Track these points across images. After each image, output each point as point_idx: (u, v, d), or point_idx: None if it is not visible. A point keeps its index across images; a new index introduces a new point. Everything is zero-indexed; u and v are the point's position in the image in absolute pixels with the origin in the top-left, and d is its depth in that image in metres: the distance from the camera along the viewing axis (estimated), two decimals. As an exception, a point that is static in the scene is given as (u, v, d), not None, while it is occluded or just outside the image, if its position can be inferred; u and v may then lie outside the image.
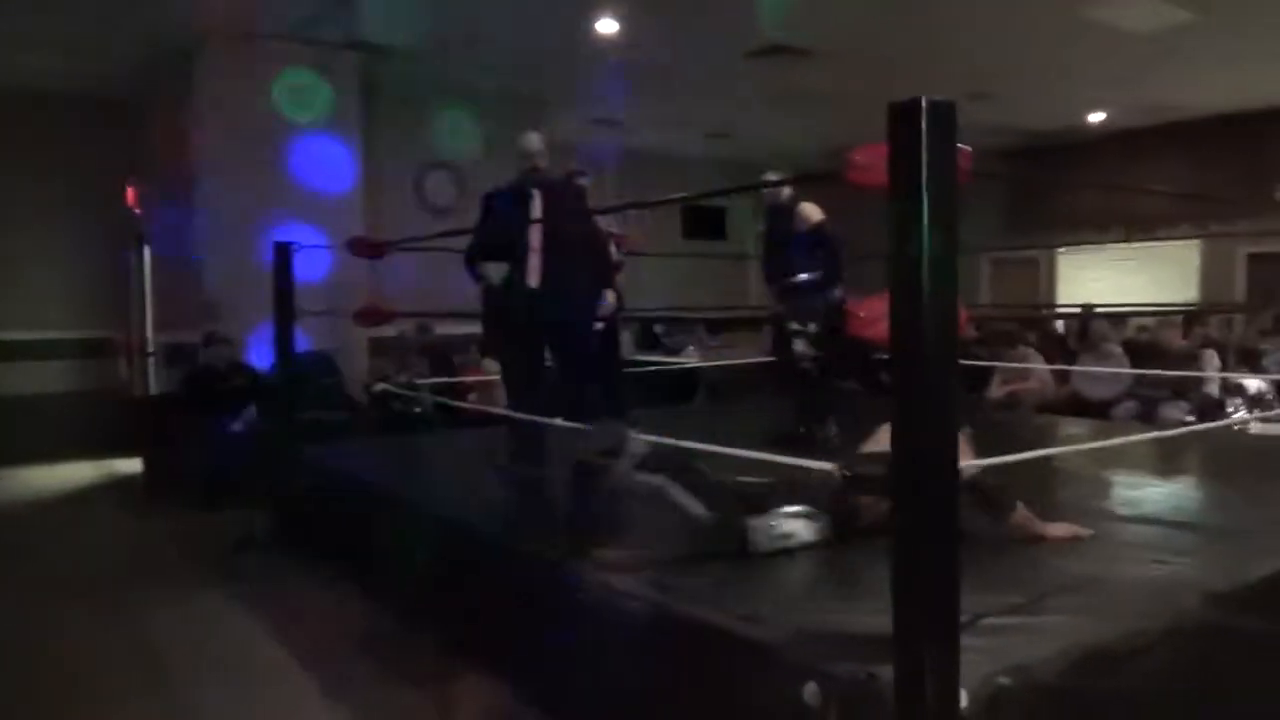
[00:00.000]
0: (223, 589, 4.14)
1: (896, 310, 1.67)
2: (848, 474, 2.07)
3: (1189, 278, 10.45)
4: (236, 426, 6.05)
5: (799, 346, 5.05)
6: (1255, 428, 5.99)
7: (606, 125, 10.07)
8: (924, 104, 1.62)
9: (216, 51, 6.81)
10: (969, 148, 2.05)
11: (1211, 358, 7.27)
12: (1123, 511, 3.48)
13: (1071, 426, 6.10)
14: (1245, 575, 2.55)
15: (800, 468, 2.38)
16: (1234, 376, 7.26)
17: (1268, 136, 9.69)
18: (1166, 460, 4.48)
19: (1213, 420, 6.75)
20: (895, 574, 1.73)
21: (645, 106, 9.56)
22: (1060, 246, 11.41)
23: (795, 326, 5.04)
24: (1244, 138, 9.77)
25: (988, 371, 7.90)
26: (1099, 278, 11.26)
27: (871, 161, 1.85)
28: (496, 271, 4.07)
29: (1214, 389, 7.07)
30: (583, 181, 5.03)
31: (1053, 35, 7.19)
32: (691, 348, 10.24)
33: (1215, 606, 2.39)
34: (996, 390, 7.89)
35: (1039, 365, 7.78)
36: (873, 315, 2.09)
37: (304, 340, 5.58)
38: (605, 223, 5.11)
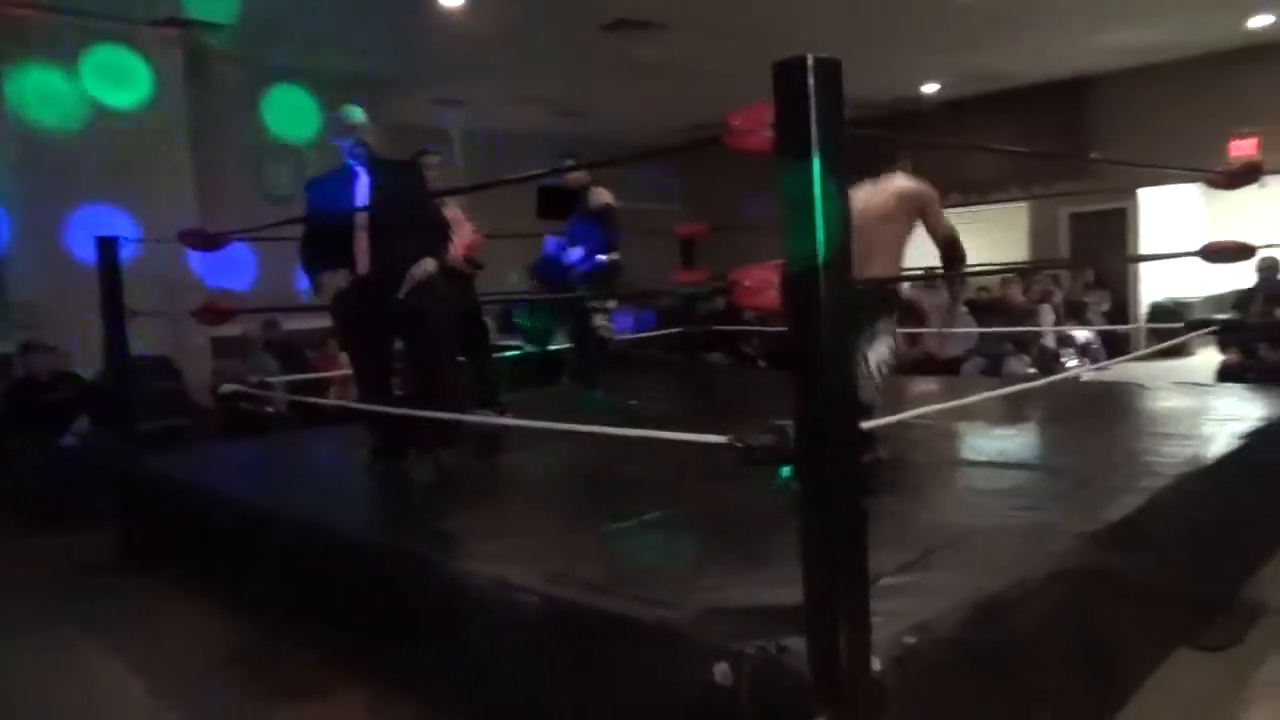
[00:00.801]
0: (70, 620, 3.75)
1: (792, 276, 1.62)
2: (740, 445, 2.03)
3: (1019, 238, 11.09)
4: (68, 440, 5.53)
5: (599, 321, 5.33)
6: (1086, 375, 6.43)
7: (452, 105, 9.77)
8: (810, 61, 1.57)
9: (15, 27, 6.15)
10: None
11: (1047, 312, 7.76)
12: (988, 462, 3.63)
13: (927, 384, 6.34)
14: (1106, 516, 2.68)
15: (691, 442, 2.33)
16: (1068, 330, 7.77)
17: (1084, 102, 10.37)
18: (1018, 412, 4.70)
19: (1050, 370, 7.20)
20: (803, 543, 1.70)
21: (494, 84, 9.32)
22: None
23: (596, 304, 5.30)
24: (1063, 104, 10.42)
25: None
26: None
27: (751, 125, 1.80)
28: (333, 280, 3.74)
29: (1050, 341, 7.54)
30: (431, 159, 4.84)
31: (882, 6, 7.41)
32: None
33: (1086, 548, 2.50)
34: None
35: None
36: (758, 284, 2.05)
37: (138, 343, 5.14)
38: (452, 208, 4.94)
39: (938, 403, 4.33)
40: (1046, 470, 3.46)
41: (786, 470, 2.53)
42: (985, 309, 8.14)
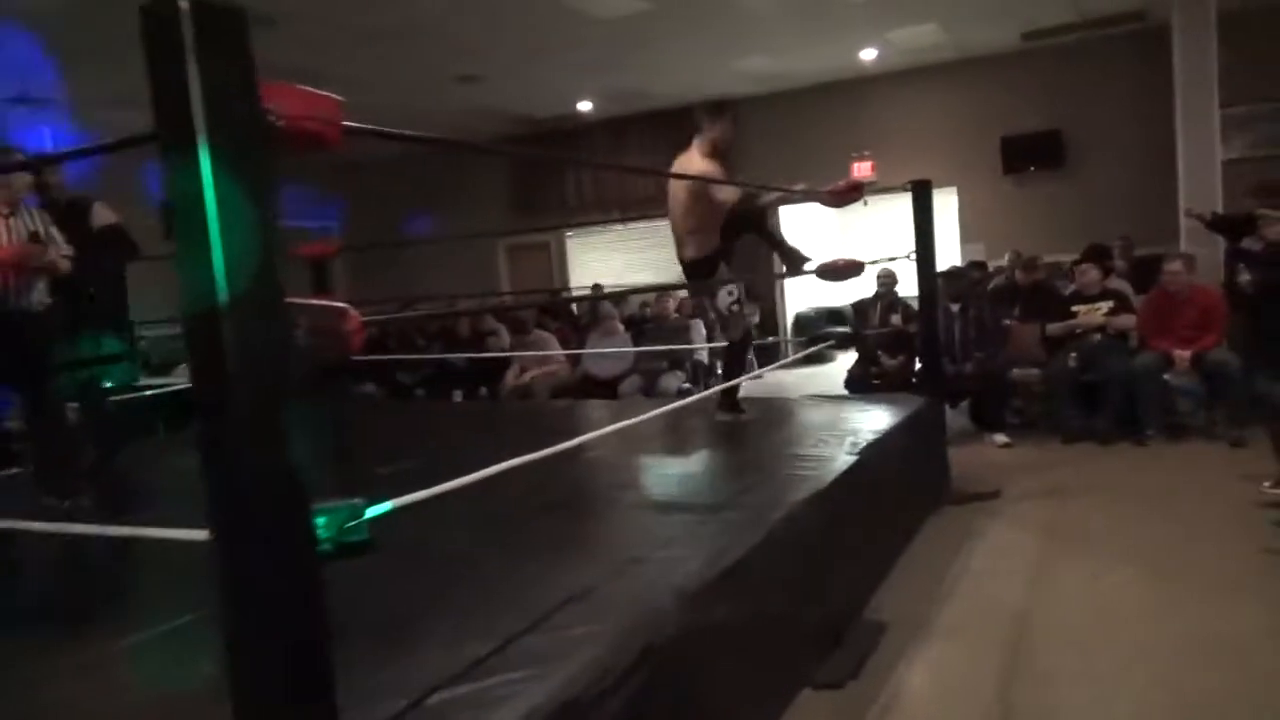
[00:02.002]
0: None
1: (190, 315, 1.11)
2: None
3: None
4: None
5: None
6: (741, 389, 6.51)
7: (32, 105, 8.24)
8: (186, 7, 1.06)
9: None
10: (334, 96, 1.57)
11: (698, 326, 7.84)
12: (614, 503, 3.34)
13: (584, 410, 6.10)
14: (715, 565, 2.42)
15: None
16: (716, 346, 7.91)
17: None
18: (664, 436, 4.49)
19: (705, 383, 7.26)
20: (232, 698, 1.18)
21: (89, 84, 7.94)
22: (568, 230, 11.83)
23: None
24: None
25: (506, 360, 7.81)
26: (605, 259, 11.88)
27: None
28: None
29: (704, 355, 7.62)
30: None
31: (528, 18, 7.17)
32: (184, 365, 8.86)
33: (689, 609, 2.21)
34: (515, 378, 7.81)
35: (554, 350, 7.83)
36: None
37: None
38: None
39: (584, 430, 4.03)
40: (667, 507, 3.20)
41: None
42: (641, 326, 8.13)
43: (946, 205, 9.87)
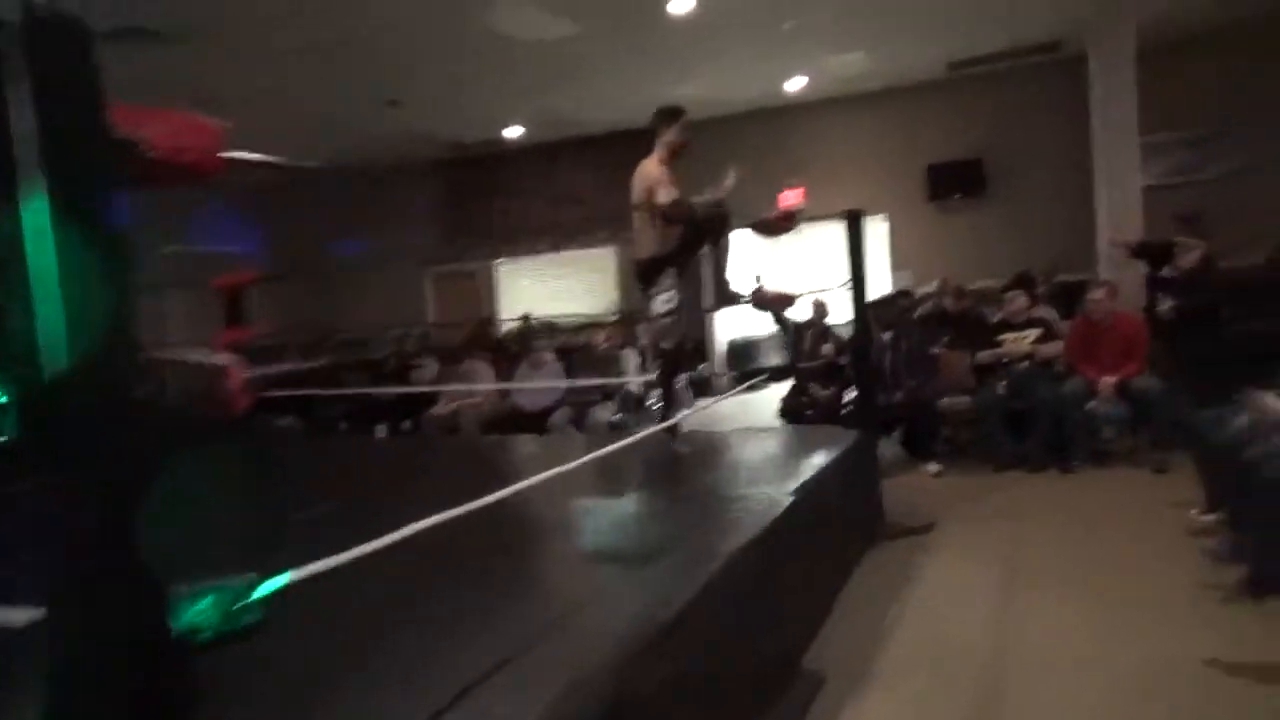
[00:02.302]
0: None
1: (20, 395, 0.92)
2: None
3: (609, 280, 11.27)
4: None
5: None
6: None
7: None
8: (16, 20, 0.88)
9: None
10: (216, 122, 1.39)
11: (631, 356, 7.71)
12: (547, 550, 3.16)
13: (514, 446, 5.90)
14: (656, 619, 2.27)
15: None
16: (653, 375, 7.77)
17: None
18: (597, 475, 4.30)
19: (638, 415, 7.12)
20: None
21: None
22: (497, 259, 11.63)
23: None
24: (639, 151, 10.75)
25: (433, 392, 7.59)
26: (535, 287, 11.69)
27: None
28: None
29: (635, 387, 7.48)
30: None
31: (452, 41, 7.02)
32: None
33: (624, 671, 2.05)
34: (443, 407, 7.59)
35: (485, 383, 7.62)
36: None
37: None
38: None
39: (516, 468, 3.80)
40: (598, 557, 3.04)
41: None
42: (573, 356, 7.97)
43: (876, 233, 9.96)
